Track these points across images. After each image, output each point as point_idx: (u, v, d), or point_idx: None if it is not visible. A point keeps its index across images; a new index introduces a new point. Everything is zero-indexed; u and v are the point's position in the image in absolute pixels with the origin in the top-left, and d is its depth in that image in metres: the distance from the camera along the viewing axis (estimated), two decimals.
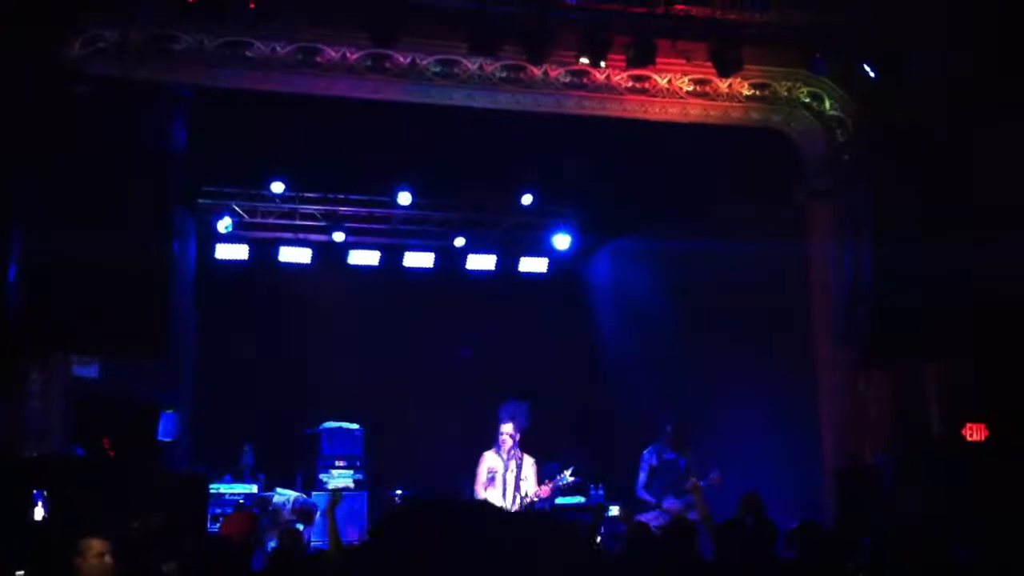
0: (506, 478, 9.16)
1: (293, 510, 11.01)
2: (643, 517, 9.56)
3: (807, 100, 10.19)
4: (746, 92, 10.05)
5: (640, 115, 10.03)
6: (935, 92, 9.25)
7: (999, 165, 8.81)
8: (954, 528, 6.64)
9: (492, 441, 9.40)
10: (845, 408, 9.85)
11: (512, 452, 9.26)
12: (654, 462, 9.98)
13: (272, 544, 8.78)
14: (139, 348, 8.71)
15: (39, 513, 7.48)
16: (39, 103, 8.13)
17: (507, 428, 9.25)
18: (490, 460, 9.33)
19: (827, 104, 10.15)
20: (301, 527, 10.74)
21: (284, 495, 11.36)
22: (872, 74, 9.49)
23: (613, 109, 10.02)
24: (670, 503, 9.70)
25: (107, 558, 5.48)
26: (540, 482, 9.26)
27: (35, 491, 7.54)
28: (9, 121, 7.95)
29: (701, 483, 9.59)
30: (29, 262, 7.88)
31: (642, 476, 9.98)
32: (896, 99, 9.49)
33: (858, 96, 9.94)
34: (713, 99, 10.02)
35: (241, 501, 11.16)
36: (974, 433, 9.17)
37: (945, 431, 9.26)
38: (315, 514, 10.82)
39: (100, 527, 5.84)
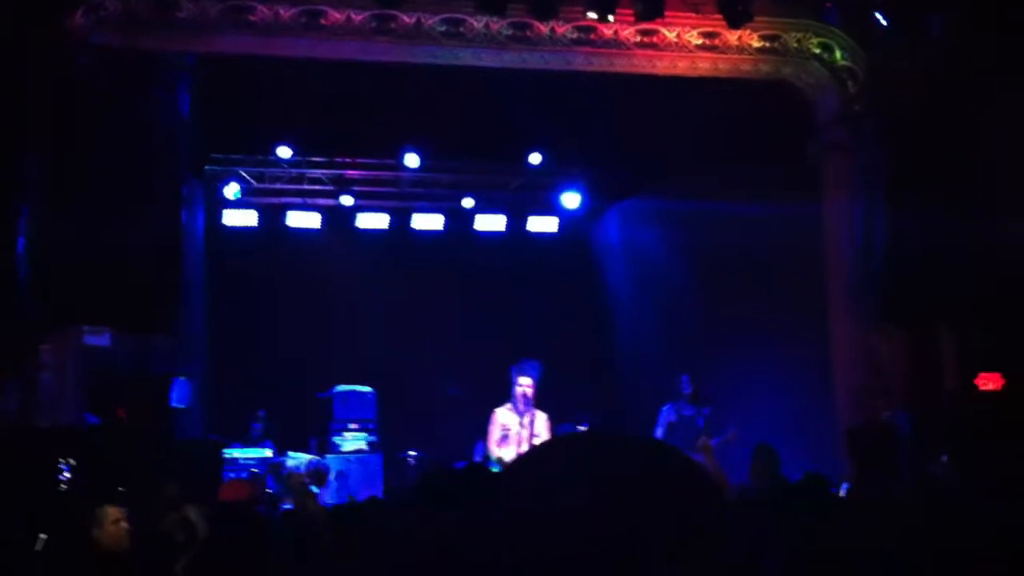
0: (520, 435, 9.14)
1: (306, 472, 11.04)
2: None
3: (818, 51, 10.07)
4: (756, 44, 9.93)
5: (649, 70, 9.93)
6: (950, 43, 9.12)
7: (1015, 122, 8.69)
8: (972, 482, 6.62)
9: (504, 400, 9.38)
10: (859, 366, 9.82)
11: (526, 408, 9.24)
12: (672, 418, 9.97)
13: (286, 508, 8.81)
14: (149, 320, 8.71)
15: (65, 480, 7.53)
16: (43, 75, 8.07)
17: (525, 381, 9.21)
18: (503, 417, 9.31)
19: (838, 55, 10.02)
20: (316, 490, 10.78)
21: (297, 458, 11.40)
22: (884, 23, 9.35)
23: (621, 65, 9.91)
24: None
25: (123, 524, 5.50)
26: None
27: (61, 459, 7.58)
28: (14, 94, 7.90)
29: (714, 441, 9.61)
30: (38, 235, 7.86)
31: (659, 431, 9.98)
32: (909, 50, 9.36)
33: (870, 46, 9.80)
34: (723, 52, 9.91)
35: (254, 469, 11.20)
36: (988, 383, 9.14)
37: (959, 385, 9.22)
38: (328, 476, 10.85)
39: (116, 494, 5.86)
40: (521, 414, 9.22)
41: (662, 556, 1.17)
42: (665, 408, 10.01)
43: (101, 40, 8.46)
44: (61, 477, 7.45)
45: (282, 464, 11.14)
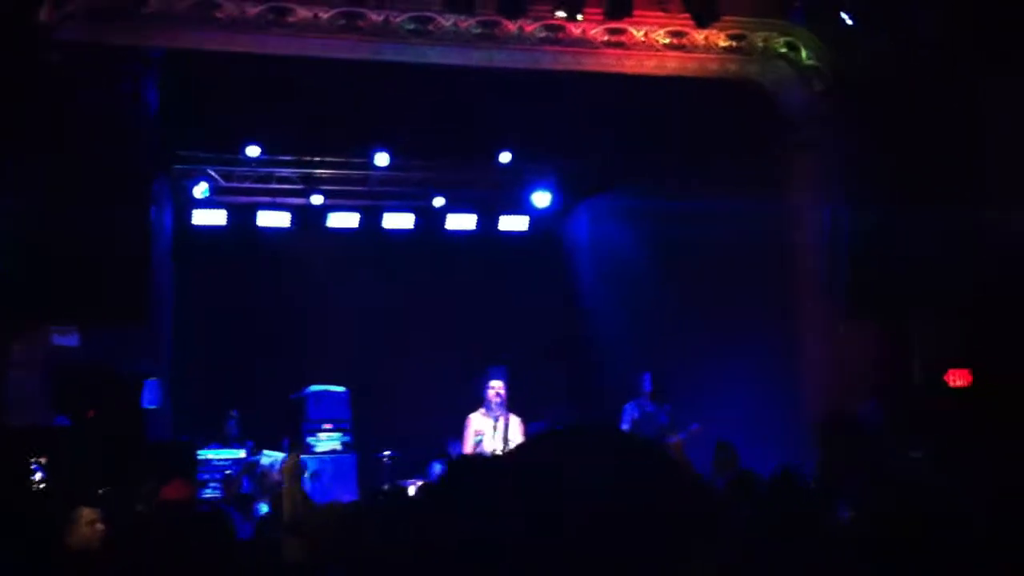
0: (495, 438, 9.18)
1: (280, 471, 10.99)
2: None
3: (783, 50, 10.16)
4: (723, 44, 10.00)
5: (616, 69, 9.98)
6: (913, 41, 9.24)
7: (980, 115, 8.82)
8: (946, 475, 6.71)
9: (476, 401, 9.41)
10: (827, 358, 9.92)
11: (499, 411, 9.27)
12: (636, 415, 10.05)
13: (263, 509, 8.79)
14: (118, 316, 8.67)
15: (38, 481, 7.48)
16: (8, 71, 8.01)
17: (497, 384, 9.25)
18: (477, 422, 9.34)
19: (803, 54, 10.12)
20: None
21: (271, 456, 11.37)
22: (849, 22, 9.46)
23: (589, 63, 9.96)
24: None
25: (98, 526, 5.50)
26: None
27: (32, 460, 7.53)
28: None
29: (681, 435, 9.70)
30: (5, 234, 7.79)
31: (624, 428, 10.05)
32: (873, 48, 9.47)
33: (835, 46, 9.91)
34: (690, 51, 9.98)
35: (228, 472, 11.16)
36: (958, 379, 9.26)
37: (927, 378, 9.34)
38: (304, 474, 10.81)
39: (89, 496, 5.84)
40: (495, 418, 9.25)
41: (659, 554, 1.17)
42: (628, 405, 10.09)
43: (67, 35, 8.40)
44: (32, 477, 7.41)
45: (256, 463, 11.11)
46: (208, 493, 10.78)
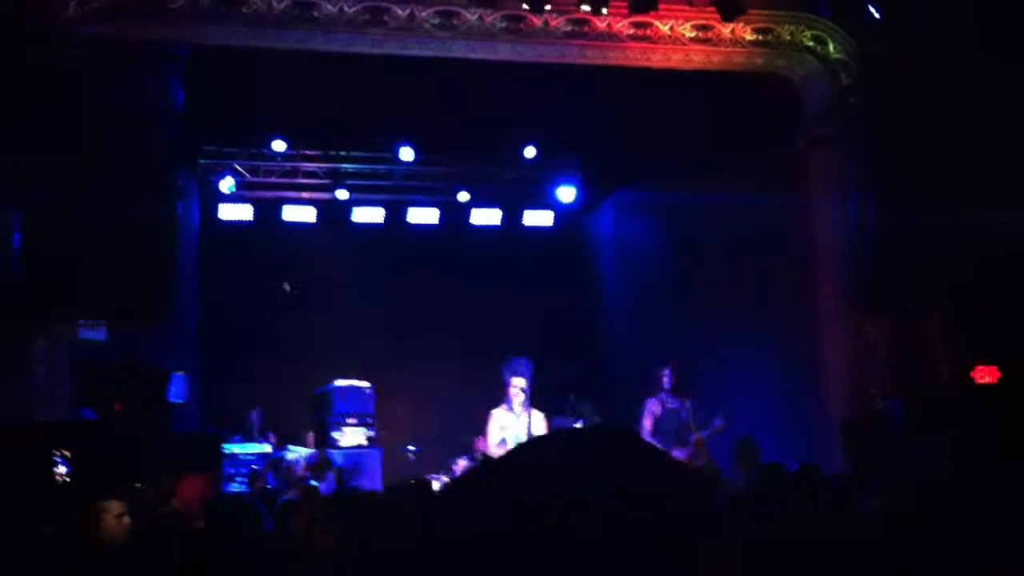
0: (518, 434, 9.14)
1: (306, 466, 11.07)
2: None
3: (810, 44, 10.08)
4: (749, 37, 9.94)
5: (642, 63, 9.93)
6: (940, 35, 9.14)
7: (1004, 113, 8.71)
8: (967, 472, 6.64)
9: (499, 396, 9.38)
10: (850, 356, 9.84)
11: (522, 407, 9.24)
12: (657, 411, 9.97)
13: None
14: (143, 312, 8.70)
15: (61, 474, 7.54)
16: (35, 67, 8.05)
17: (519, 382, 9.21)
18: (500, 418, 9.30)
19: (831, 48, 10.04)
20: (315, 483, 10.81)
21: (296, 452, 11.42)
22: (877, 16, 9.37)
23: (615, 57, 9.92)
24: (677, 453, 9.73)
25: (125, 519, 5.53)
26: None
27: (55, 453, 7.59)
28: (5, 87, 7.88)
29: (703, 433, 9.63)
30: (32, 229, 7.85)
31: (646, 423, 9.98)
32: (901, 42, 9.38)
33: (862, 39, 9.82)
34: (716, 45, 9.92)
35: (254, 467, 11.21)
36: (985, 376, 9.15)
37: (953, 375, 9.24)
38: (328, 469, 10.87)
39: (115, 489, 5.88)
40: (518, 414, 9.22)
41: (665, 553, 1.18)
42: (650, 401, 10.00)
43: (93, 31, 8.44)
44: (56, 470, 7.46)
45: (281, 459, 11.15)
46: (234, 487, 10.83)
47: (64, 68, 8.18)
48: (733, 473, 8.76)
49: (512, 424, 9.20)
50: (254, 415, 12.20)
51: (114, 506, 5.54)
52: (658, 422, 9.90)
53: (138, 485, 7.04)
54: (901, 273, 9.11)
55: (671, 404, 9.97)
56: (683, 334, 12.15)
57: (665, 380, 9.89)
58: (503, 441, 9.10)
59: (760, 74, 10.21)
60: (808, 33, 9.97)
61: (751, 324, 11.24)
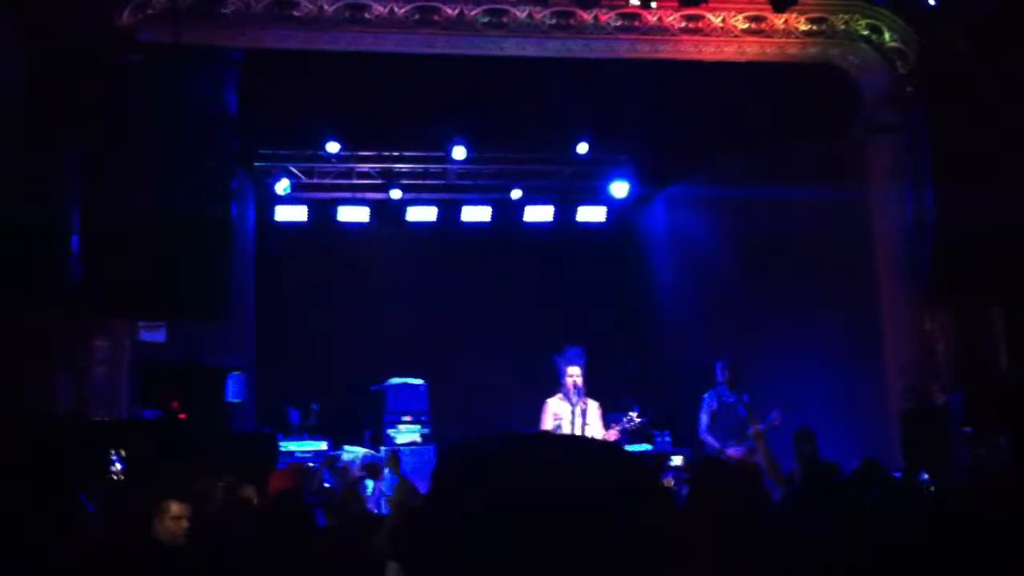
0: (573, 424, 9.09)
1: (362, 466, 11.14)
2: None
3: (865, 32, 9.92)
4: (802, 27, 9.81)
5: (695, 56, 9.84)
6: (1001, 20, 8.93)
7: None
8: None
9: (552, 392, 9.34)
10: (911, 349, 9.66)
11: (578, 397, 9.18)
12: (715, 405, 9.92)
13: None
14: (200, 312, 8.81)
15: (117, 472, 7.65)
16: (93, 72, 8.19)
17: (574, 370, 9.15)
18: (555, 406, 9.24)
19: (886, 36, 9.86)
20: (371, 483, 10.88)
21: (352, 452, 11.49)
22: (933, 2, 9.18)
23: (667, 51, 9.83)
24: (733, 450, 9.64)
25: (184, 522, 5.54)
26: (606, 427, 9.19)
27: (112, 451, 7.71)
28: (64, 92, 8.02)
29: (761, 426, 9.53)
30: (90, 232, 7.97)
31: (704, 418, 9.93)
32: (960, 28, 9.18)
33: (919, 26, 9.64)
34: (769, 36, 9.80)
35: (310, 464, 11.31)
36: None
37: (1015, 369, 9.04)
38: (383, 469, 10.93)
39: (173, 488, 5.93)
40: (573, 403, 9.16)
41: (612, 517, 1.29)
42: (707, 396, 9.95)
43: (148, 37, 8.57)
44: (112, 468, 7.58)
45: (337, 458, 11.23)
46: None
47: (120, 74, 8.31)
48: (797, 466, 8.66)
49: (567, 413, 9.14)
50: (311, 413, 12.32)
51: (174, 507, 5.57)
52: (715, 417, 9.84)
53: (190, 484, 7.11)
54: (962, 266, 8.91)
55: (728, 399, 9.89)
56: (740, 328, 12.03)
57: (719, 374, 9.83)
58: (558, 428, 9.05)
59: (815, 64, 10.06)
60: (863, 22, 9.81)
61: (809, 316, 11.10)
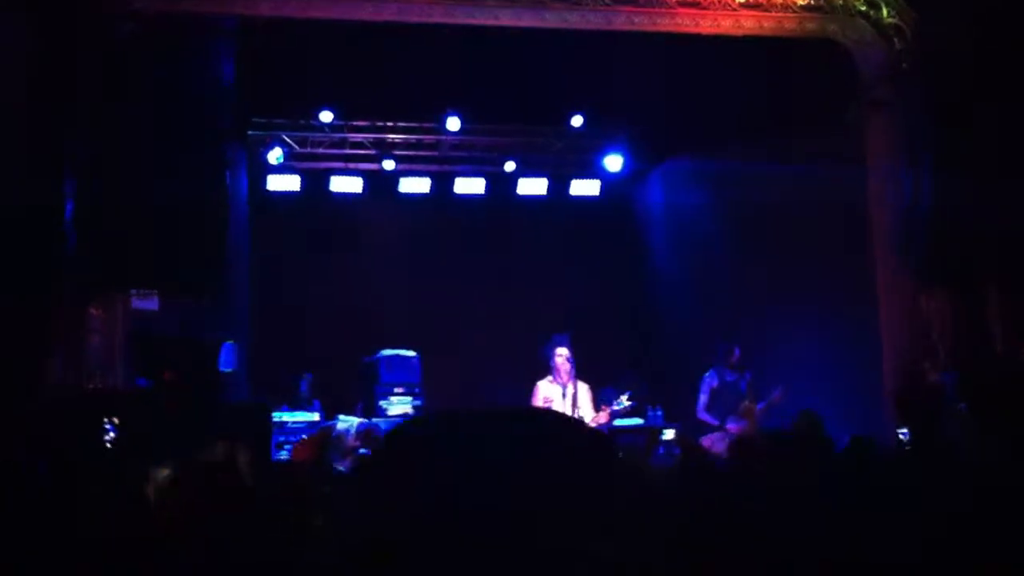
0: (563, 406, 9.13)
1: (356, 435, 11.13)
2: (707, 439, 9.60)
3: (863, 8, 9.89)
4: (800, 2, 9.78)
5: (692, 29, 9.80)
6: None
7: None
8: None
9: (545, 367, 9.37)
10: (906, 328, 9.70)
11: (568, 379, 9.22)
12: (715, 384, 9.99)
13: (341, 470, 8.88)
14: (195, 282, 8.80)
15: (110, 440, 7.65)
16: (86, 43, 8.12)
17: (563, 352, 9.20)
18: (545, 389, 9.29)
19: (884, 11, 9.84)
20: (365, 451, 10.88)
21: (347, 421, 11.46)
22: None
23: (664, 24, 9.80)
24: (733, 424, 9.72)
25: (177, 487, 5.56)
26: (596, 408, 9.24)
27: (105, 421, 7.71)
28: (57, 62, 7.96)
29: (759, 404, 9.60)
30: (84, 202, 7.94)
31: (703, 398, 9.99)
32: (957, 5, 9.16)
33: (917, 2, 9.61)
34: (767, 10, 9.77)
35: (304, 436, 11.31)
36: None
37: (1009, 350, 9.08)
38: (379, 438, 10.93)
39: (167, 457, 5.93)
40: (564, 385, 9.20)
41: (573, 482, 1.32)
42: (708, 374, 10.02)
43: (142, 6, 8.49)
44: (106, 437, 7.58)
45: (332, 427, 11.22)
46: (283, 455, 10.94)
47: (114, 42, 8.24)
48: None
49: (557, 396, 9.19)
50: (304, 383, 12.32)
51: (165, 474, 5.59)
52: (716, 394, 9.91)
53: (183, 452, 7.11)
54: (958, 245, 8.94)
55: (729, 377, 9.97)
56: (735, 304, 12.06)
57: (730, 354, 9.90)
58: None
59: (812, 39, 10.03)
60: None
61: (805, 294, 11.12)
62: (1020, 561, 3.52)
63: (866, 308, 10.08)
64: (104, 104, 8.17)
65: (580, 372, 9.34)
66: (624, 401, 9.18)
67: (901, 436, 7.54)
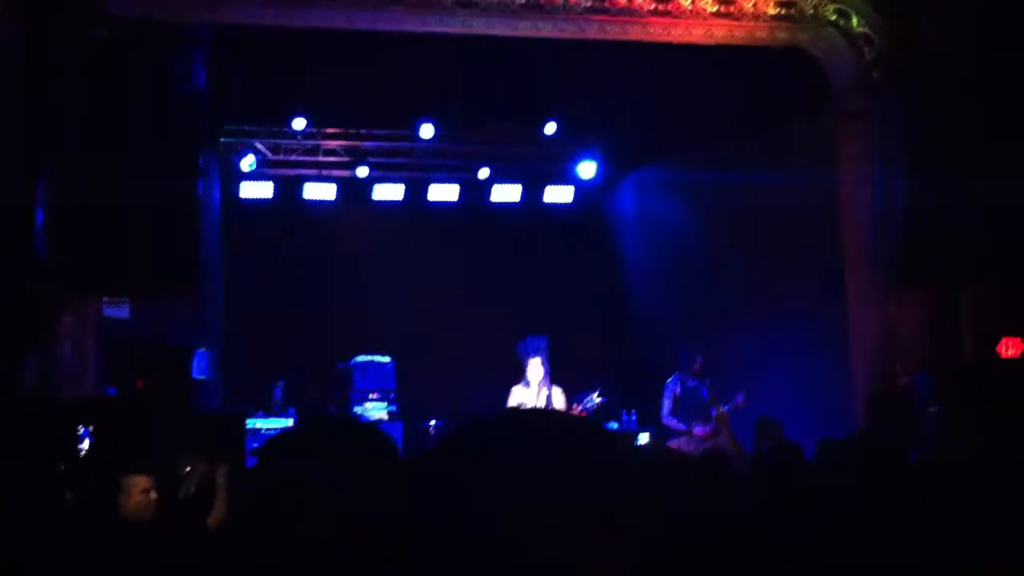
0: None
1: None
2: (674, 443, 9.66)
3: (834, 18, 9.98)
4: (771, 11, 9.85)
5: (664, 38, 9.86)
6: (967, 8, 9.03)
7: None
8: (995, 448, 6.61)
9: (519, 373, 9.41)
10: (876, 331, 9.79)
11: (541, 384, 9.27)
12: (678, 390, 10.06)
13: None
14: (169, 289, 8.76)
15: (85, 449, 7.61)
16: (60, 46, 8.08)
17: (535, 361, 9.26)
18: (519, 395, 9.34)
19: (854, 21, 9.93)
20: None
21: None
22: None
23: (636, 33, 9.85)
24: (700, 429, 9.80)
25: (151, 494, 5.54)
26: (569, 409, 9.28)
27: (82, 427, 7.66)
28: (32, 66, 7.91)
29: (725, 408, 9.69)
30: (56, 207, 7.89)
31: (667, 403, 10.06)
32: (926, 14, 9.28)
33: (887, 12, 9.72)
34: (738, 19, 9.83)
35: None
36: (1009, 349, 9.10)
37: (979, 351, 9.19)
38: None
39: (140, 465, 5.91)
40: (537, 391, 9.25)
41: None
42: (670, 380, 10.09)
43: (118, 10, 8.45)
44: (80, 446, 7.53)
45: None
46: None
47: (89, 48, 8.20)
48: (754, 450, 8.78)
49: (531, 400, 9.24)
50: (277, 390, 12.29)
51: (140, 481, 5.56)
52: (679, 400, 9.98)
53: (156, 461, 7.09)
54: (929, 248, 9.05)
55: (691, 383, 10.03)
56: (707, 311, 12.14)
57: (693, 361, 9.98)
58: None
59: (784, 48, 10.12)
60: (831, 7, 9.87)
61: (777, 299, 11.21)
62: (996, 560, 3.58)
63: (838, 313, 10.18)
64: (75, 108, 8.12)
65: (554, 376, 9.39)
66: (595, 398, 9.24)
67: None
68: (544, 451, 1.34)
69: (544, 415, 1.64)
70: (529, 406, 9.16)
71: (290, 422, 11.76)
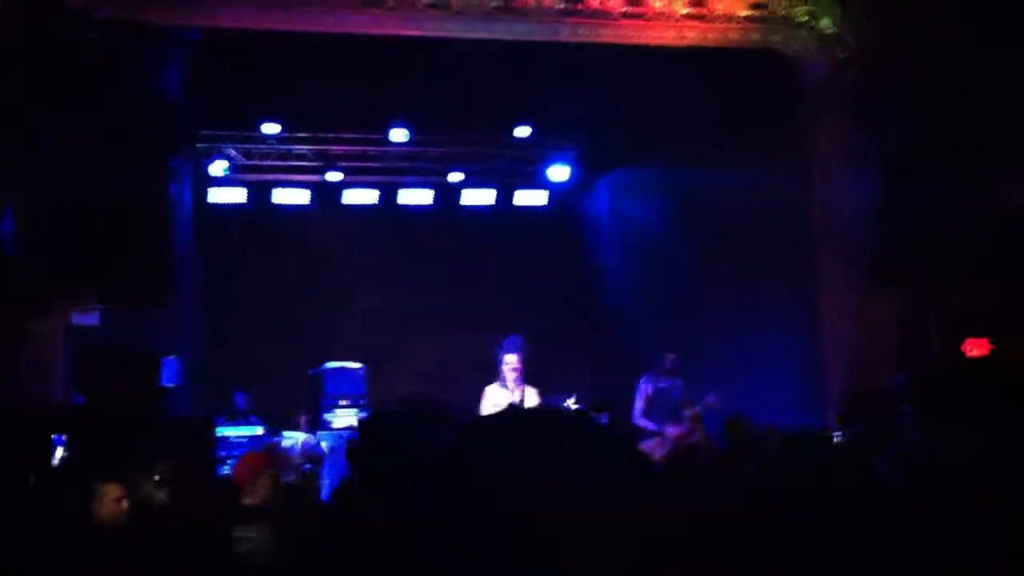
0: None
1: (302, 453, 11.07)
2: (646, 444, 9.66)
3: (805, 19, 10.03)
4: (743, 13, 9.88)
5: (635, 40, 9.87)
6: (938, 8, 9.09)
7: (1004, 84, 8.67)
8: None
9: (494, 376, 9.36)
10: (851, 331, 9.82)
11: (516, 384, 9.23)
12: (650, 390, 10.06)
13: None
14: (141, 295, 8.66)
15: (59, 456, 7.52)
16: (41, 50, 7.99)
17: (512, 359, 9.21)
18: (494, 395, 9.29)
19: (825, 22, 9.99)
20: (309, 466, 10.81)
21: (292, 438, 11.38)
22: None
23: (608, 35, 9.86)
24: (672, 429, 9.80)
25: (124, 502, 5.50)
26: None
27: (55, 436, 7.57)
28: (8, 67, 7.81)
29: (697, 407, 9.71)
30: (26, 211, 7.79)
31: (639, 404, 10.06)
32: (897, 14, 9.34)
33: (857, 12, 9.77)
34: (709, 21, 9.86)
35: (246, 452, 11.17)
36: (975, 349, 9.16)
37: (946, 349, 9.25)
38: (323, 457, 10.88)
39: (111, 473, 5.84)
40: (512, 391, 9.21)
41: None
42: (642, 380, 10.09)
43: (102, 14, 8.36)
44: (54, 454, 7.44)
45: (276, 444, 11.11)
46: (226, 470, 10.80)
47: (66, 51, 8.10)
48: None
49: (505, 400, 9.19)
50: (239, 398, 12.19)
51: (112, 489, 5.51)
52: (651, 401, 9.98)
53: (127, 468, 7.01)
54: (905, 247, 9.10)
55: (663, 383, 10.04)
56: (682, 311, 12.15)
57: (666, 362, 9.98)
58: None
59: (756, 50, 10.15)
60: (802, 8, 9.92)
61: (752, 300, 11.23)
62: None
63: (813, 313, 10.22)
64: (50, 111, 8.03)
65: (529, 378, 9.34)
66: (571, 404, 9.22)
67: (835, 437, 7.64)
68: (544, 449, 1.33)
69: (540, 413, 1.68)
70: (505, 405, 9.11)
71: (259, 430, 11.66)
